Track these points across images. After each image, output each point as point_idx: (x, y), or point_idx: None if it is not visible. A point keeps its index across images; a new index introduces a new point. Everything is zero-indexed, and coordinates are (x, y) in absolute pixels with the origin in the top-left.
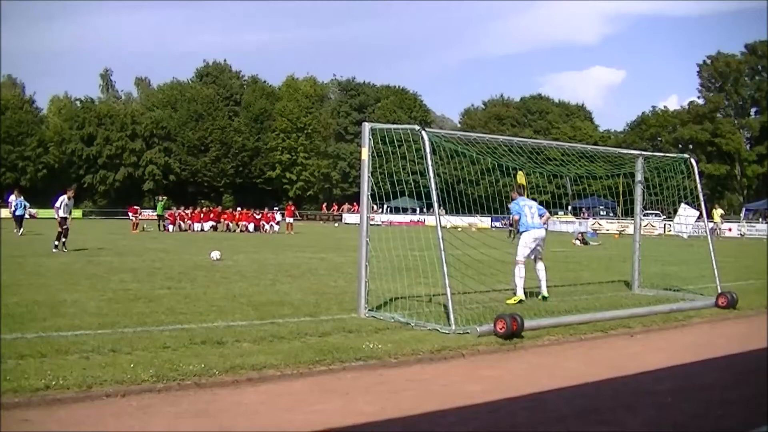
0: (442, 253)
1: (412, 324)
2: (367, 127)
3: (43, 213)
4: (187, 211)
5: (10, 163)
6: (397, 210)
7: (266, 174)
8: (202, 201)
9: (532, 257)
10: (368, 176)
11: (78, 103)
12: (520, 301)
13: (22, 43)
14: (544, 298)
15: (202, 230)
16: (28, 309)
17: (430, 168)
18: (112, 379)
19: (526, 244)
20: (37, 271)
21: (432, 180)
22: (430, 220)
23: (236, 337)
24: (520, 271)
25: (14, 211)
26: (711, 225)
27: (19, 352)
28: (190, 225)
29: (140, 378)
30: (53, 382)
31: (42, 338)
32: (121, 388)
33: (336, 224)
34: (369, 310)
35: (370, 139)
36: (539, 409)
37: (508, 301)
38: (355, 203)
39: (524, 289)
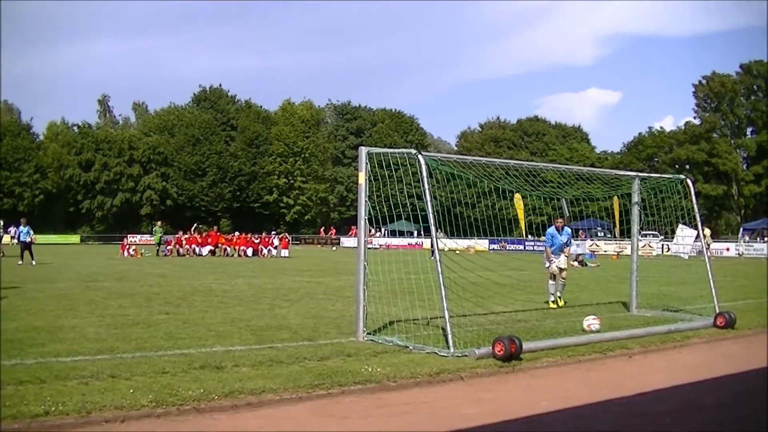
0: (440, 276)
1: (411, 347)
2: (363, 151)
3: (41, 239)
4: (186, 235)
5: (7, 189)
6: (394, 233)
7: (263, 198)
8: (200, 225)
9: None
10: (365, 200)
11: (75, 128)
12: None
13: (18, 69)
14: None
15: (200, 255)
16: (27, 335)
17: (427, 192)
18: (112, 404)
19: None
20: (35, 297)
21: (429, 204)
22: (427, 243)
23: (235, 362)
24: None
25: (18, 238)
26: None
27: (18, 378)
28: (188, 249)
29: (139, 403)
30: (53, 408)
31: (41, 364)
32: (121, 413)
33: (334, 248)
34: (367, 333)
35: (367, 163)
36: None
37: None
38: (352, 226)
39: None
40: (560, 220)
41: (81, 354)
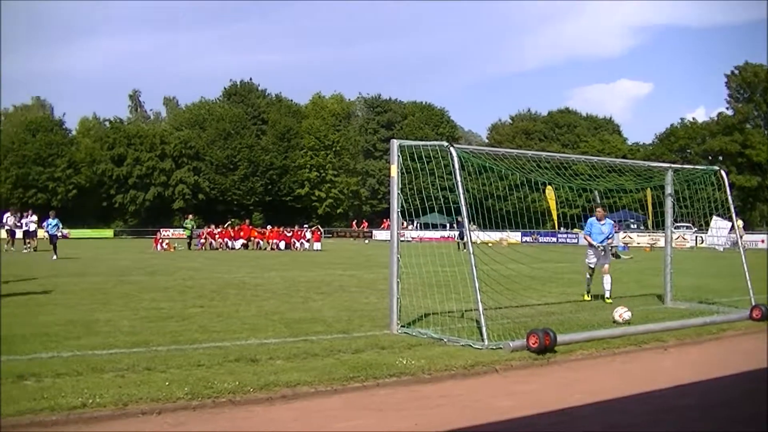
0: (474, 268)
1: (445, 340)
2: (395, 144)
3: (75, 233)
4: (218, 230)
5: (41, 184)
6: (426, 226)
7: (295, 192)
8: (233, 219)
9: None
10: (398, 193)
11: (107, 123)
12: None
13: (50, 65)
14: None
15: (233, 248)
16: (63, 328)
17: (460, 184)
18: (148, 396)
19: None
20: (71, 290)
21: (462, 196)
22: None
23: (270, 355)
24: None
25: (47, 232)
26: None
27: (56, 371)
28: (221, 243)
29: (175, 396)
30: (90, 400)
31: (77, 357)
32: (157, 405)
33: (366, 241)
34: (401, 326)
35: (399, 155)
36: (571, 425)
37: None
38: (384, 219)
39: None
40: (600, 209)
41: (116, 347)
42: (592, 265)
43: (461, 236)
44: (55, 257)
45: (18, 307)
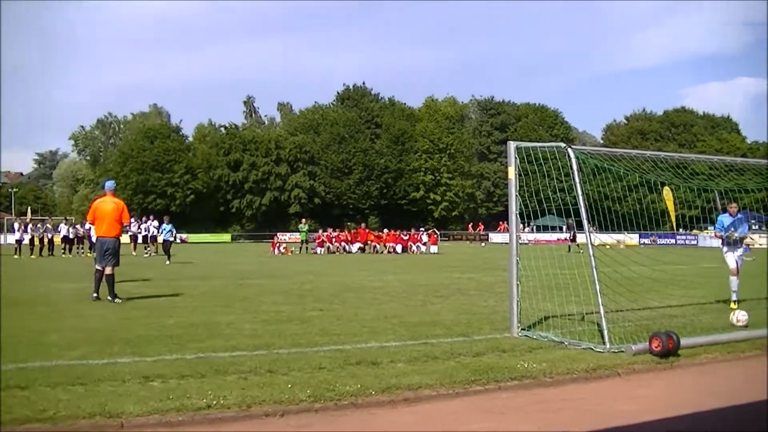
0: (594, 271)
1: (566, 343)
2: (512, 146)
3: (193, 238)
4: (334, 233)
5: (159, 189)
6: (542, 228)
7: (410, 195)
8: (348, 223)
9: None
10: (515, 195)
11: (223, 129)
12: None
13: (166, 74)
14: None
15: (349, 252)
16: (186, 330)
17: (578, 186)
18: (271, 399)
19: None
20: (192, 294)
21: (580, 198)
22: (580, 238)
23: (390, 358)
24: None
25: (162, 237)
26: None
27: (180, 372)
28: (338, 247)
29: (298, 398)
30: (214, 402)
31: (201, 359)
32: (280, 407)
33: (482, 244)
34: (521, 329)
35: (515, 158)
36: (695, 431)
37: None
38: (500, 222)
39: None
40: (734, 204)
41: (239, 349)
42: (735, 265)
43: (572, 238)
44: (168, 262)
45: (141, 310)
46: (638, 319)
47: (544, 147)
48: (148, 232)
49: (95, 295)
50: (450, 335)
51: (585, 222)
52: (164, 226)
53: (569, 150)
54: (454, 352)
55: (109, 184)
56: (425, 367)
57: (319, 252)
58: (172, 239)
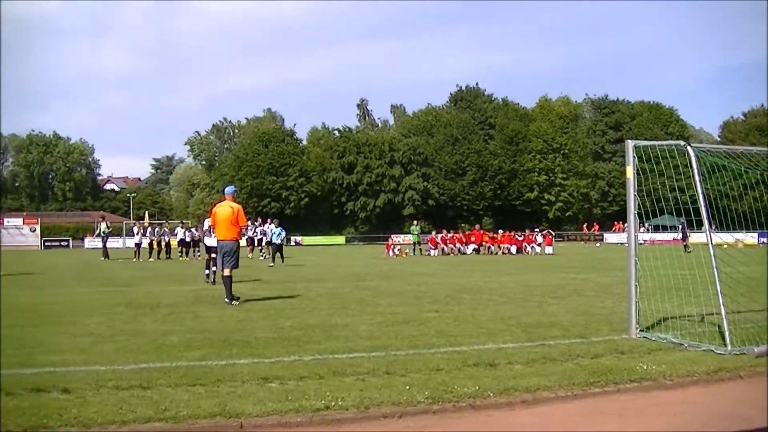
0: (716, 271)
1: (686, 344)
2: (630, 144)
3: (307, 240)
4: (449, 235)
5: (274, 193)
6: (658, 228)
7: (524, 196)
8: (462, 224)
9: None
10: (634, 194)
11: (336, 132)
12: None
13: (280, 78)
14: None
15: (464, 253)
16: (303, 332)
17: (698, 184)
18: (389, 400)
19: None
20: (307, 296)
21: (701, 197)
22: (693, 237)
23: (508, 359)
24: None
25: (270, 240)
26: None
27: (298, 374)
28: (452, 249)
29: (416, 399)
30: (332, 403)
31: (318, 360)
32: (398, 409)
33: (597, 244)
34: (640, 330)
35: (634, 156)
36: None
37: None
38: (615, 222)
39: None
40: None
41: (356, 351)
42: None
43: (683, 238)
44: (272, 264)
45: (258, 312)
46: (759, 321)
47: (663, 145)
48: (264, 235)
49: (227, 299)
50: (567, 337)
51: (706, 221)
52: (273, 228)
53: (689, 148)
54: (572, 353)
55: (229, 189)
56: (543, 369)
57: (432, 253)
58: (279, 242)
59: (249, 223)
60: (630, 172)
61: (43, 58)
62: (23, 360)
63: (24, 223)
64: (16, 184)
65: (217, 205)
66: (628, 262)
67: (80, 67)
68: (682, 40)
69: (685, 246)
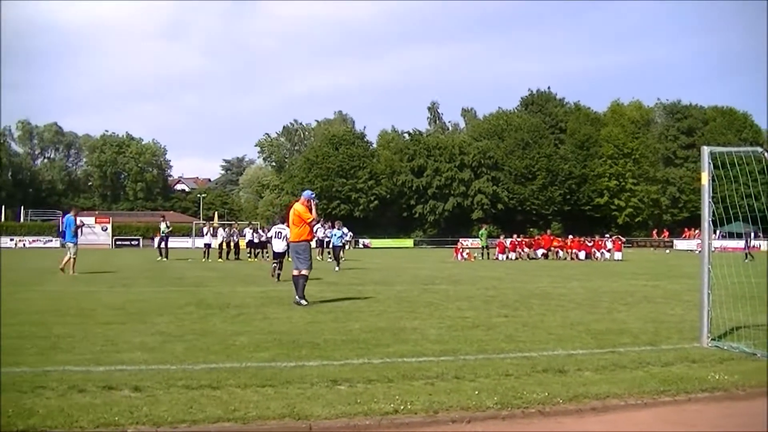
0: None
1: (758, 354)
2: (706, 150)
3: (376, 243)
4: (518, 239)
5: (344, 195)
6: (730, 235)
7: (594, 201)
8: (531, 229)
9: None
10: (709, 201)
11: (406, 135)
12: None
13: (350, 81)
14: None
15: (533, 258)
16: (371, 335)
17: None
18: (458, 405)
19: None
20: (376, 299)
21: None
22: (765, 245)
23: (577, 366)
24: None
25: (330, 242)
26: None
27: (367, 377)
28: (521, 253)
29: (485, 405)
30: (401, 407)
31: (387, 364)
32: (466, 414)
33: (667, 251)
34: (711, 339)
35: (709, 163)
36: None
37: None
38: (686, 228)
39: None
40: None
41: (425, 355)
42: None
43: (747, 246)
44: (337, 269)
45: (327, 314)
46: None
47: (739, 152)
48: (330, 237)
49: (296, 298)
50: (637, 344)
51: None
52: (335, 231)
53: (766, 154)
54: (642, 361)
55: (306, 194)
56: (613, 376)
57: (500, 258)
58: (341, 245)
59: (319, 225)
60: (705, 178)
61: (118, 60)
62: (95, 358)
63: (96, 222)
64: (89, 184)
65: (291, 208)
66: (701, 270)
67: (155, 68)
68: (757, 44)
69: (747, 254)
